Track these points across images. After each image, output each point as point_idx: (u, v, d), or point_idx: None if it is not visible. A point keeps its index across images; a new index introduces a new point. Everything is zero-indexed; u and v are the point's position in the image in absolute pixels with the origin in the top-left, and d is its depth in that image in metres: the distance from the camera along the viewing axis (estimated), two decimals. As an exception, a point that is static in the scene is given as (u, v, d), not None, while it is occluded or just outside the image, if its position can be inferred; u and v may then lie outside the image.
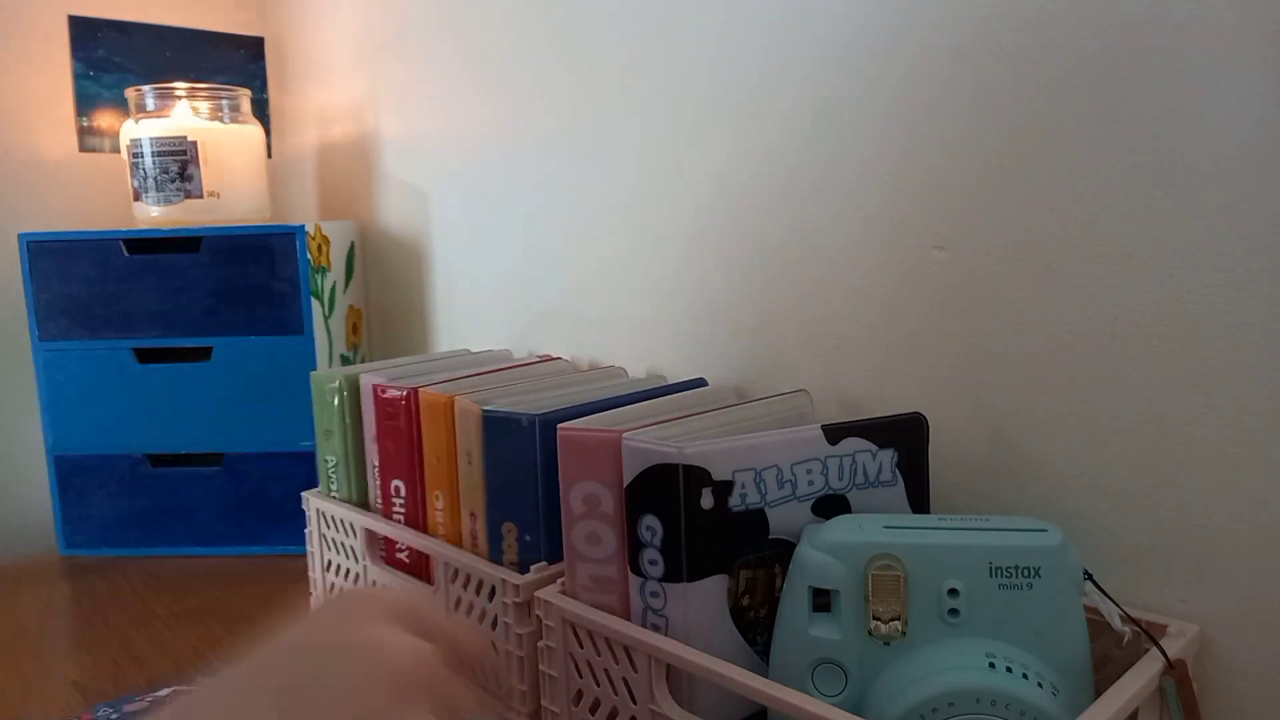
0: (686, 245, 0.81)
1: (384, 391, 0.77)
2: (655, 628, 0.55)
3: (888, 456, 0.58)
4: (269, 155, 1.20)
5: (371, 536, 0.79)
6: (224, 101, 1.08)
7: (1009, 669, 0.46)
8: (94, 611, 0.90)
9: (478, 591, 0.68)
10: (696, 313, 0.81)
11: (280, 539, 1.04)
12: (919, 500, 0.59)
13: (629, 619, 0.56)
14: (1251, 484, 0.52)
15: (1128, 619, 0.50)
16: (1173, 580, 0.55)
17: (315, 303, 1.03)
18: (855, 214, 0.68)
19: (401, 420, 0.76)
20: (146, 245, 1.01)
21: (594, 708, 0.59)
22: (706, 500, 0.53)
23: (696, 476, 0.53)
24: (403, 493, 0.77)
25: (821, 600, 0.50)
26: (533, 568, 0.65)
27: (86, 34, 1.17)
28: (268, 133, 1.20)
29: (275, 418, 1.02)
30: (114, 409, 1.03)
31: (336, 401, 0.82)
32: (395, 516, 0.78)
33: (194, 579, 0.97)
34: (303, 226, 1.01)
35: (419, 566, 0.78)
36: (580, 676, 0.59)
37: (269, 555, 1.03)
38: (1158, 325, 0.54)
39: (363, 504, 0.82)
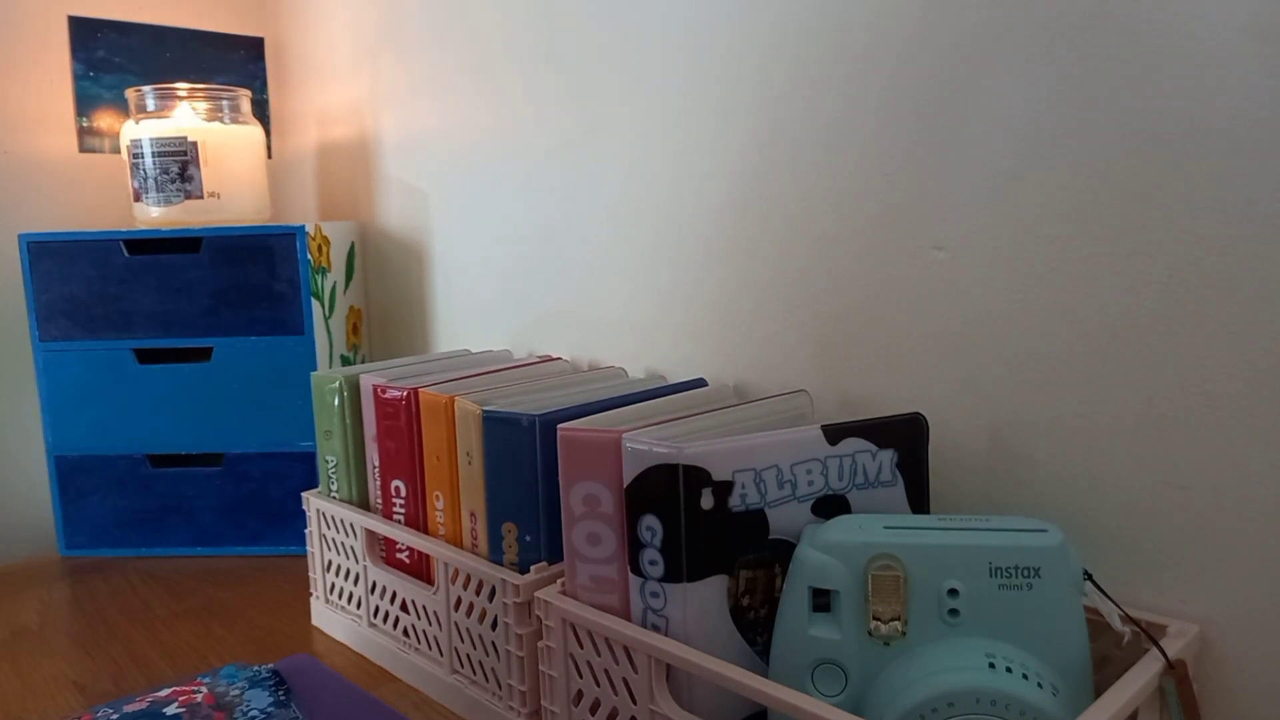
0: (686, 246, 0.81)
1: (384, 392, 0.77)
2: (655, 628, 0.55)
3: (887, 457, 0.58)
4: (269, 156, 1.21)
5: (372, 537, 0.79)
6: (224, 102, 1.08)
7: (1009, 669, 0.46)
8: (94, 612, 0.90)
9: (478, 592, 0.68)
10: (696, 313, 0.81)
11: (280, 539, 1.04)
12: (919, 500, 0.59)
13: (629, 619, 0.56)
14: (1252, 484, 0.52)
15: (1127, 619, 0.50)
16: (1173, 580, 0.56)
17: (315, 303, 1.03)
18: (855, 214, 0.68)
19: (402, 420, 0.76)
20: (147, 246, 1.01)
21: (594, 708, 0.59)
22: (706, 500, 0.53)
23: (696, 477, 0.53)
24: (403, 493, 0.77)
25: (821, 600, 0.50)
26: (533, 568, 0.65)
27: (86, 34, 1.17)
28: (268, 133, 1.21)
29: (275, 418, 1.02)
30: (114, 409, 1.03)
31: (337, 402, 0.82)
32: (395, 517, 0.78)
33: (194, 579, 0.97)
34: (303, 227, 1.01)
35: (419, 567, 0.78)
36: (580, 677, 0.59)
37: (269, 555, 1.03)
38: (1158, 325, 0.54)
39: (363, 504, 0.82)
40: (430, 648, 0.74)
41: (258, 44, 1.32)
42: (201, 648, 0.82)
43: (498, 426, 0.67)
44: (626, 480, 0.55)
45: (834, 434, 0.57)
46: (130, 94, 1.07)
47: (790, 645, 0.51)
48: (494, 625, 0.66)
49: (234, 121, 1.08)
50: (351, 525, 0.80)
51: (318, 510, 0.85)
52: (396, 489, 0.78)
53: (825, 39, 0.68)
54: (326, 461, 0.84)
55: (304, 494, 0.86)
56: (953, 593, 0.48)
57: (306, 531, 0.86)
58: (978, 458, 0.63)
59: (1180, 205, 0.53)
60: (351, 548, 0.81)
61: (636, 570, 0.56)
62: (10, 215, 1.12)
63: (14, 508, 1.14)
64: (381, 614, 0.79)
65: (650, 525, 0.54)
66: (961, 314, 0.63)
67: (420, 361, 0.88)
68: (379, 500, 0.80)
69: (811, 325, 0.72)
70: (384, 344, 1.21)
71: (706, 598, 0.54)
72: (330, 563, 0.84)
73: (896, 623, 0.49)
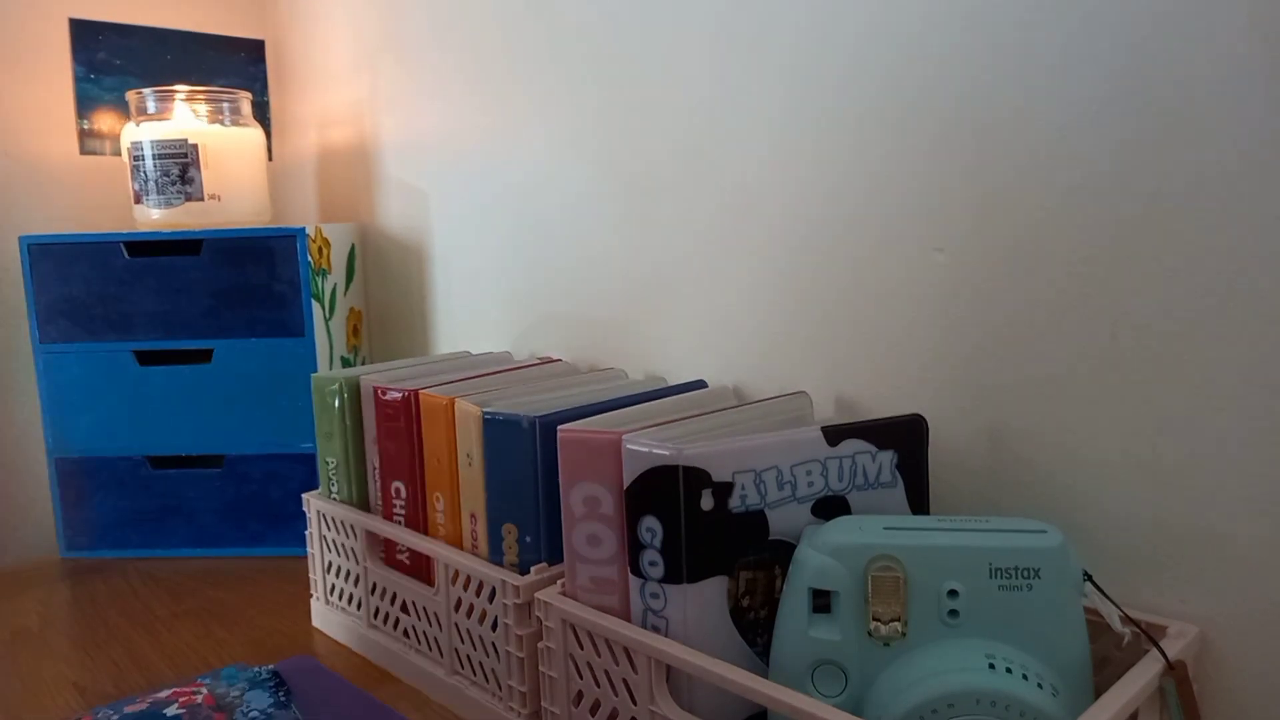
0: (686, 248, 0.81)
1: (384, 393, 0.77)
2: (655, 629, 0.55)
3: (887, 458, 0.58)
4: (269, 158, 1.21)
5: (372, 538, 0.79)
6: (224, 104, 1.08)
7: (1009, 670, 0.46)
8: (94, 613, 0.90)
9: (478, 593, 0.68)
10: (696, 315, 0.81)
11: (281, 540, 1.04)
12: (918, 501, 0.59)
13: (629, 620, 0.57)
14: (1251, 485, 0.52)
15: (1127, 620, 0.50)
16: (1173, 581, 0.56)
17: (316, 305, 1.03)
18: (855, 216, 0.68)
19: (402, 422, 0.76)
20: (147, 248, 1.01)
21: (594, 709, 0.59)
22: (706, 502, 0.53)
23: (696, 478, 0.53)
24: (403, 494, 0.77)
25: (821, 601, 0.50)
26: (533, 569, 0.65)
27: (87, 37, 1.17)
28: (268, 135, 1.21)
29: (276, 420, 1.02)
30: (115, 411, 1.03)
31: (337, 403, 0.82)
32: (396, 518, 0.78)
33: (194, 580, 0.97)
34: (303, 229, 1.01)
35: (420, 568, 0.78)
36: (580, 678, 0.59)
37: (269, 557, 1.03)
38: (1158, 326, 0.54)
39: (363, 506, 0.82)
40: (430, 649, 0.74)
41: (258, 46, 1.32)
42: (202, 649, 0.82)
43: (498, 428, 0.67)
44: (627, 481, 0.55)
45: (834, 435, 0.57)
46: (131, 96, 1.07)
47: (790, 646, 0.51)
48: (494, 626, 0.66)
49: (234, 124, 1.08)
50: (352, 526, 0.80)
51: (318, 511, 0.85)
52: (397, 490, 0.78)
53: (825, 41, 0.68)
54: (327, 463, 0.84)
55: (304, 495, 0.86)
56: (952, 593, 0.48)
57: (307, 533, 0.86)
58: (977, 459, 0.63)
59: (1181, 205, 0.53)
60: (352, 549, 0.81)
61: (636, 571, 0.56)
62: (11, 217, 1.13)
63: (14, 509, 1.14)
64: (382, 615, 0.79)
65: (650, 526, 0.54)
66: (961, 315, 0.63)
67: (420, 363, 0.88)
68: (379, 501, 0.80)
69: (811, 326, 0.72)
70: (384, 345, 1.21)
71: (706, 599, 0.54)
72: (330, 564, 0.84)
73: (896, 623, 0.49)
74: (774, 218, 0.74)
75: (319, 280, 1.04)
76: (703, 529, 0.53)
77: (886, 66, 0.65)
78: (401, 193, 1.14)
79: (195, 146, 1.04)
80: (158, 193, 1.04)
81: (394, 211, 1.16)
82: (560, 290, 0.94)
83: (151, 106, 1.05)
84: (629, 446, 0.55)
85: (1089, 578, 0.50)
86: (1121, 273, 0.55)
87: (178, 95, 1.06)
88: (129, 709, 0.66)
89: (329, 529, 0.84)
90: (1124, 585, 0.57)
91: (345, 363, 1.11)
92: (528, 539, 0.67)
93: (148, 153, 1.04)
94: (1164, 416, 0.55)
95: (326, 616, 0.85)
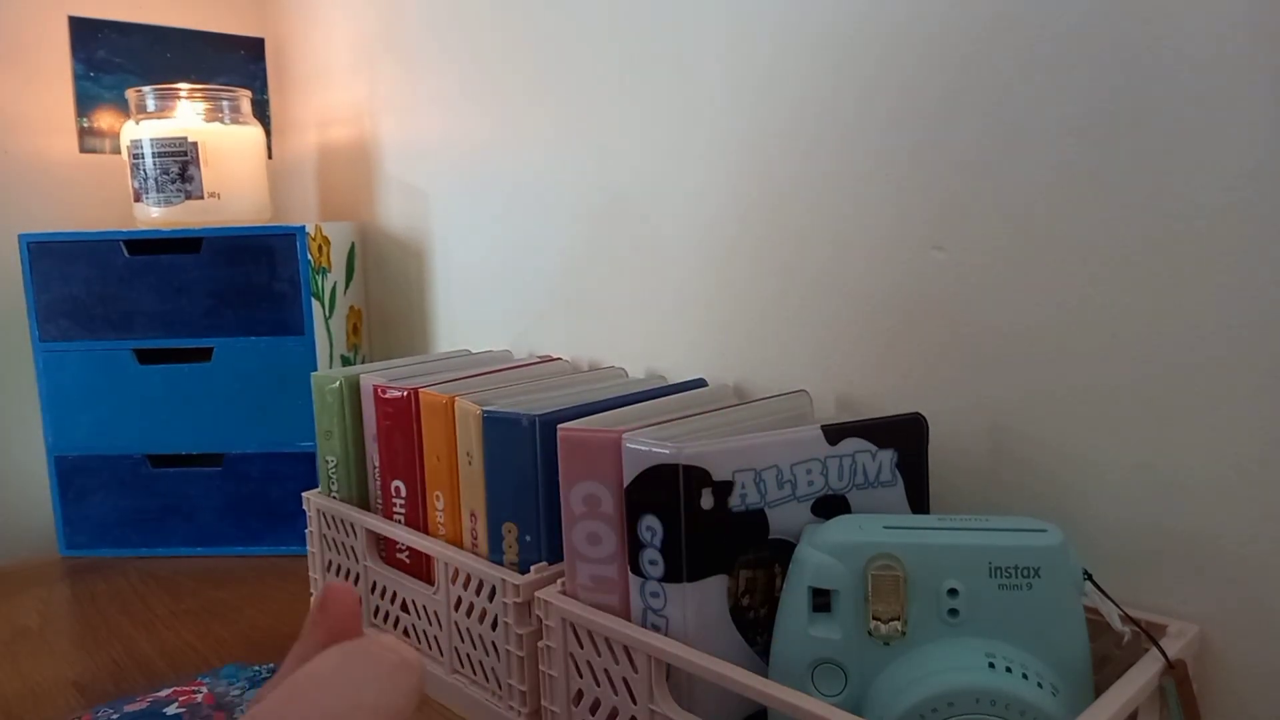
0: (686, 246, 0.81)
1: (384, 392, 0.77)
2: (655, 628, 0.55)
3: (887, 457, 0.58)
4: (269, 156, 1.21)
5: (372, 537, 0.79)
6: (224, 102, 1.08)
7: (1009, 669, 0.46)
8: (94, 612, 0.90)
9: (478, 592, 0.68)
10: (696, 313, 0.81)
11: (280, 539, 1.04)
12: (918, 500, 0.59)
13: (629, 619, 0.56)
14: (1251, 484, 0.52)
15: (1127, 619, 0.50)
16: (1173, 580, 0.56)
17: (315, 303, 1.03)
18: (855, 214, 0.68)
19: (402, 421, 0.76)
20: (147, 246, 1.01)
21: (594, 708, 0.59)
22: (706, 500, 0.53)
23: (696, 477, 0.53)
24: (403, 493, 0.77)
25: (821, 600, 0.50)
26: (533, 568, 0.65)
27: (87, 35, 1.17)
28: (268, 134, 1.21)
29: (276, 418, 1.02)
30: (114, 410, 1.03)
31: (337, 402, 0.82)
32: (396, 517, 0.78)
33: (194, 579, 0.97)
34: (303, 227, 1.01)
35: (419, 567, 0.78)
36: (580, 676, 0.59)
37: (269, 556, 1.03)
38: (1158, 325, 0.54)
39: (363, 504, 0.82)
40: (430, 647, 0.74)
41: (258, 45, 1.32)
42: (202, 648, 0.82)
43: (498, 426, 0.67)
44: (626, 480, 0.55)
45: (834, 434, 0.57)
46: (130, 94, 1.07)
47: (790, 645, 0.51)
48: (494, 625, 0.66)
49: (234, 122, 1.08)
50: (352, 525, 0.80)
51: (318, 510, 0.85)
52: (396, 489, 0.78)
53: (825, 42, 0.68)
54: (326, 461, 0.84)
55: (304, 494, 0.86)
56: (952, 592, 0.48)
57: (307, 532, 0.86)
58: (977, 458, 0.63)
59: (1181, 204, 0.53)
60: (352, 547, 0.81)
61: (636, 570, 0.56)
62: (10, 215, 1.12)
63: (14, 508, 1.14)
64: (382, 614, 0.79)
65: (650, 525, 0.54)
66: (961, 314, 0.63)
67: (420, 362, 0.88)
68: (379, 500, 0.80)
69: (811, 325, 0.72)
70: (384, 344, 1.21)
71: (706, 598, 0.54)
72: (330, 562, 0.84)
73: (896, 622, 0.49)
74: (774, 216, 0.74)
75: (319, 279, 1.04)
76: (703, 528, 0.53)
77: (887, 66, 0.65)
78: (401, 191, 1.14)
79: (195, 145, 1.04)
80: (157, 191, 1.04)
81: (394, 210, 1.16)
82: (560, 289, 0.94)
83: (151, 104, 1.05)
84: (629, 445, 0.55)
85: (1089, 576, 0.50)
86: (1123, 272, 0.55)
87: (178, 93, 1.06)
88: (129, 708, 0.66)
89: (329, 527, 0.84)
90: (1124, 584, 0.57)
91: (345, 361, 1.11)
92: (527, 538, 0.66)
93: (147, 151, 1.04)
94: (1164, 416, 0.55)
95: (326, 615, 0.85)
